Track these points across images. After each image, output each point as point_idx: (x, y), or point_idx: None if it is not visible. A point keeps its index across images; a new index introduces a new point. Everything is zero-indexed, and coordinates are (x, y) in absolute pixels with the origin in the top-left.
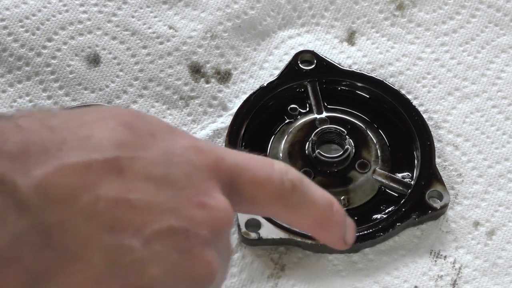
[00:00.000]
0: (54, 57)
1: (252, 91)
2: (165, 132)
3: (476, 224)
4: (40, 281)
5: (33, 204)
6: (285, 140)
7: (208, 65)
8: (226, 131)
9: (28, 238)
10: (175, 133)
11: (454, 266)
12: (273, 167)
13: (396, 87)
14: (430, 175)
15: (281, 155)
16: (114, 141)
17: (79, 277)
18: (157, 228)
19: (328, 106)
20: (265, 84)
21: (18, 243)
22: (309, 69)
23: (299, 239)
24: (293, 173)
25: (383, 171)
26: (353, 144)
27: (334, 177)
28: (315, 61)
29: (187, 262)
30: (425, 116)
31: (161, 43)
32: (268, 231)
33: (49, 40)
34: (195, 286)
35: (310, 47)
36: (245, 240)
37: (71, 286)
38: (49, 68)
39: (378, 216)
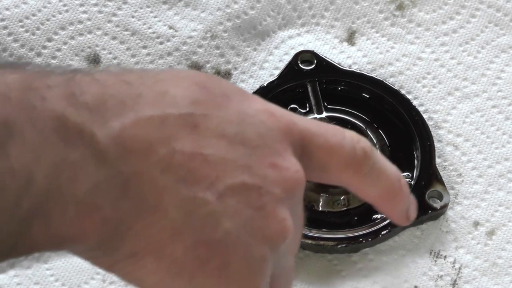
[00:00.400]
0: (54, 57)
1: (252, 91)
2: (239, 94)
3: (476, 224)
4: (118, 231)
5: (111, 155)
6: None
7: (208, 65)
8: None
9: (107, 188)
10: (248, 96)
11: (454, 266)
12: (344, 134)
13: (396, 87)
14: (430, 175)
15: None
16: (189, 99)
17: (155, 228)
18: (231, 183)
19: (328, 106)
20: (265, 84)
21: (98, 192)
22: (309, 69)
23: None
24: (364, 142)
25: None
26: None
27: None
28: (315, 61)
29: (260, 218)
30: (425, 116)
31: (161, 43)
32: None
33: (49, 40)
34: (267, 243)
35: (310, 47)
36: None
37: (147, 237)
38: None
39: (378, 216)
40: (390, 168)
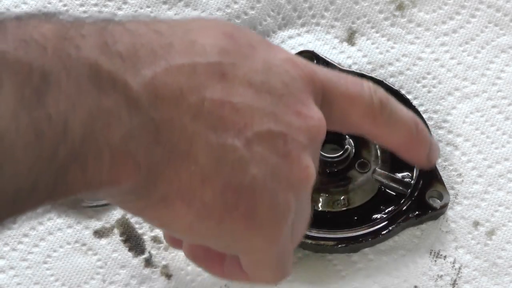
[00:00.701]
0: None
1: None
2: (264, 44)
3: (476, 224)
4: (151, 176)
5: (143, 103)
6: None
7: None
8: None
9: (140, 135)
10: (273, 47)
11: (454, 266)
12: (362, 84)
13: (396, 87)
14: (430, 175)
15: None
16: (217, 48)
17: (186, 173)
18: (258, 130)
19: None
20: None
21: (131, 139)
22: None
23: None
24: (381, 92)
25: (383, 171)
26: (353, 144)
27: (334, 177)
28: (315, 61)
29: (285, 164)
30: (425, 116)
31: None
32: None
33: None
34: (292, 189)
35: (310, 47)
36: None
37: (178, 182)
38: None
39: (378, 216)
40: (407, 114)
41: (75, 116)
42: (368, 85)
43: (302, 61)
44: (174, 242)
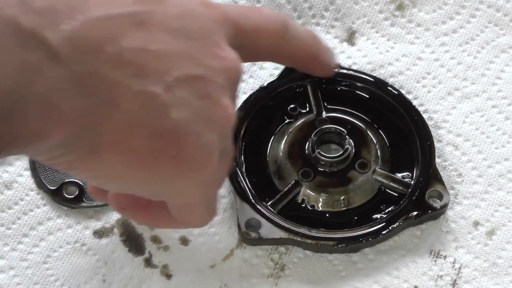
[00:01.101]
0: None
1: (252, 91)
2: None
3: (476, 224)
4: (78, 128)
5: (64, 56)
6: (285, 140)
7: None
8: None
9: (64, 88)
10: None
11: (454, 266)
12: (265, 13)
13: (396, 87)
14: (430, 175)
15: (281, 155)
16: None
17: (112, 123)
18: (177, 75)
19: (328, 106)
20: (265, 84)
21: (55, 92)
22: None
23: (299, 239)
24: (281, 15)
25: (383, 171)
26: (353, 144)
27: (334, 177)
28: None
29: (207, 106)
30: (425, 116)
31: None
32: (268, 231)
33: None
34: (215, 130)
35: None
36: (245, 240)
37: (105, 132)
38: None
39: (378, 216)
40: (306, 30)
41: (1, 72)
42: (269, 12)
43: (214, 2)
44: (99, 194)
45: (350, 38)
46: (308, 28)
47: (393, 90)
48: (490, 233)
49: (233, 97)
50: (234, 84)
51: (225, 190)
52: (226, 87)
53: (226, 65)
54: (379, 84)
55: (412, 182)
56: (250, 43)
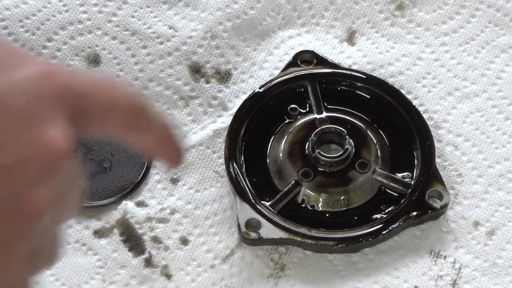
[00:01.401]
0: (54, 57)
1: (252, 91)
2: (15, 57)
3: (476, 224)
4: None
5: None
6: (285, 140)
7: (208, 65)
8: (226, 131)
9: None
10: (25, 59)
11: (454, 266)
12: (119, 91)
13: (396, 87)
14: (430, 175)
15: (281, 155)
16: None
17: None
18: None
19: (328, 106)
20: (264, 84)
21: None
22: (309, 69)
23: (299, 239)
24: (138, 98)
25: (383, 171)
26: (353, 144)
27: (334, 177)
28: (315, 61)
29: (7, 200)
30: (425, 116)
31: (161, 43)
32: (268, 231)
33: (49, 40)
34: (18, 226)
35: (310, 47)
36: (245, 240)
37: None
38: None
39: (378, 216)
40: (160, 118)
41: None
42: (123, 91)
43: (56, 71)
44: None
45: (350, 38)
46: (164, 117)
47: (393, 90)
48: (490, 233)
49: (56, 181)
50: (55, 168)
51: (225, 190)
52: (40, 175)
53: (47, 148)
54: (379, 84)
55: (412, 182)
56: (94, 121)
